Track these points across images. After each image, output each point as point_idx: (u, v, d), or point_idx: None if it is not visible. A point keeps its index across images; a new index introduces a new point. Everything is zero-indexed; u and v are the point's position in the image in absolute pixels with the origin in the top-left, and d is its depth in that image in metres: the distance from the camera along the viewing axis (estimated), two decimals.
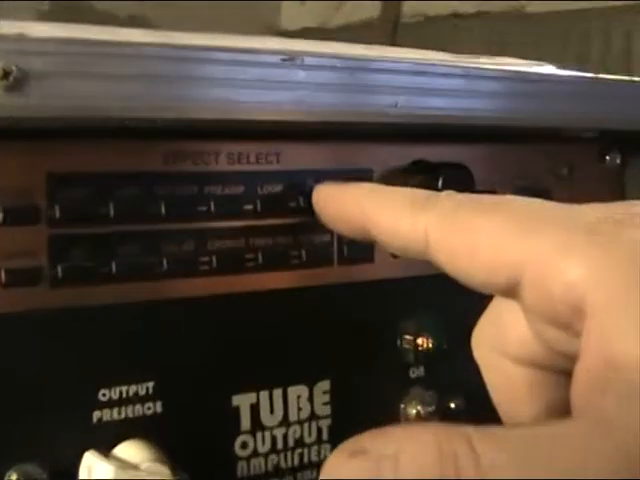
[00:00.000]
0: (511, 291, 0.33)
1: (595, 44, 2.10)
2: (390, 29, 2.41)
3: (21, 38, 0.39)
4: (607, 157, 0.62)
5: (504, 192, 0.56)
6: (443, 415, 0.54)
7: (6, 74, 0.39)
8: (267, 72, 0.45)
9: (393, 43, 2.43)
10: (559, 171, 0.59)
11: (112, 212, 0.44)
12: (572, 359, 0.30)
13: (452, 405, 0.54)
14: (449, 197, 0.37)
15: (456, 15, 2.32)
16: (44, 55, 0.39)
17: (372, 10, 2.43)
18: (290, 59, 0.45)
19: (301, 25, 2.71)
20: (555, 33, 2.09)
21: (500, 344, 0.36)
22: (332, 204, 0.45)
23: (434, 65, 0.50)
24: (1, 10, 2.28)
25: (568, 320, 0.31)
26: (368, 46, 0.56)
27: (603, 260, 0.30)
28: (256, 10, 2.75)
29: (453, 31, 2.31)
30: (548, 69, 0.62)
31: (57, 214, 0.43)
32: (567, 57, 2.08)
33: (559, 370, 0.34)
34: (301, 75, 0.46)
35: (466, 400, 0.55)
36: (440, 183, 0.50)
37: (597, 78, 0.59)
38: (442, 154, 0.54)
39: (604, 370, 0.28)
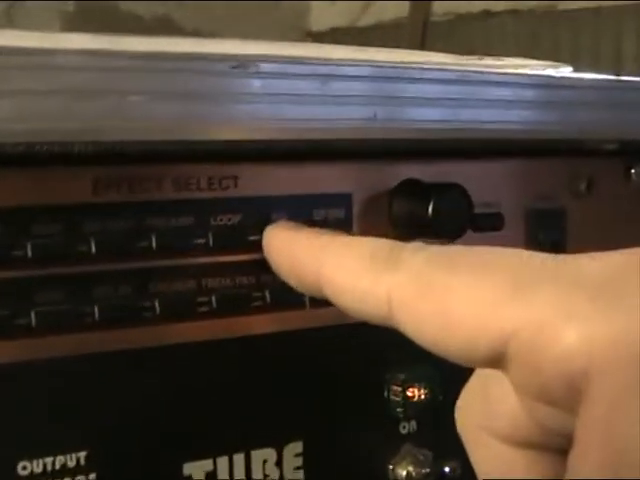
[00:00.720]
0: (494, 363, 0.28)
1: (628, 41, 2.02)
2: (420, 28, 2.34)
3: None
4: (632, 171, 0.53)
5: (511, 214, 0.48)
6: (439, 478, 0.46)
7: None
8: (217, 82, 0.37)
9: (423, 42, 2.36)
10: (576, 188, 0.51)
11: (29, 253, 0.37)
12: (569, 438, 0.26)
13: (447, 469, 0.46)
14: (416, 251, 0.31)
15: (487, 13, 2.25)
16: None
17: (402, 9, 2.36)
18: (241, 66, 0.37)
19: (330, 25, 2.64)
20: (588, 30, 2.01)
21: (488, 421, 0.31)
22: (284, 256, 0.38)
23: (422, 70, 0.42)
24: (24, 12, 2.24)
25: (562, 397, 0.26)
26: (350, 48, 0.48)
27: (611, 329, 0.24)
28: (284, 10, 2.68)
29: (484, 29, 2.24)
30: (564, 71, 0.54)
31: None
32: (601, 54, 2.00)
33: (554, 449, 0.29)
34: (256, 85, 0.38)
35: (465, 461, 0.46)
36: (430, 208, 0.42)
37: (620, 81, 0.50)
38: (436, 174, 0.46)
39: (609, 466, 0.24)
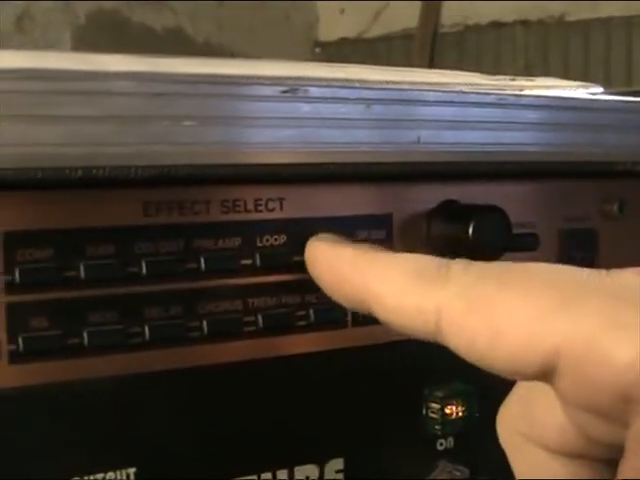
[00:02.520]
0: (542, 377, 0.28)
1: (638, 51, 2.02)
2: (429, 39, 2.35)
3: None
4: None
5: (545, 235, 0.49)
6: None
7: None
8: (266, 106, 0.38)
9: (432, 53, 2.37)
10: (608, 209, 0.51)
11: (82, 274, 0.37)
12: (615, 449, 0.27)
13: None
14: (464, 269, 0.31)
15: (497, 24, 2.25)
16: None
17: (410, 20, 2.37)
18: (292, 90, 0.38)
19: (339, 35, 2.65)
20: (598, 41, 2.01)
21: (532, 432, 0.32)
22: (328, 269, 0.37)
23: (463, 93, 0.43)
24: (35, 23, 2.25)
25: (613, 409, 0.26)
26: (383, 69, 0.48)
27: None
28: (293, 20, 2.69)
29: (494, 40, 2.24)
30: (594, 91, 0.54)
31: (16, 279, 0.36)
32: (612, 65, 2.00)
33: (599, 458, 0.30)
34: (305, 109, 0.38)
35: (502, 477, 0.47)
36: (471, 229, 0.43)
37: None
38: (473, 195, 0.46)
39: None
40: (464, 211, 0.44)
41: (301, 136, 0.39)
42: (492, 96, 0.44)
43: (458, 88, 0.43)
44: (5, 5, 2.17)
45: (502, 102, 0.44)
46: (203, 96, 0.37)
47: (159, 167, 0.36)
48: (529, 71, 2.19)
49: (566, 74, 2.14)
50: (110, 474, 0.38)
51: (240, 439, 0.41)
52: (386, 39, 2.50)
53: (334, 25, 2.68)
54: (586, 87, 0.54)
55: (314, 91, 0.38)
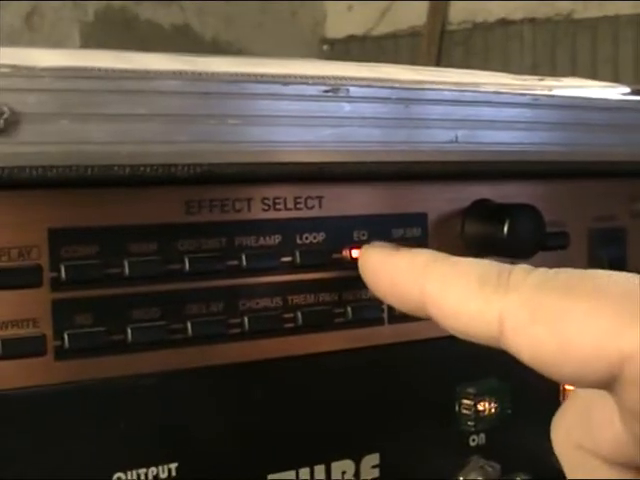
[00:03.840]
0: (606, 385, 0.28)
1: None
2: (437, 37, 2.35)
3: (14, 72, 0.32)
4: None
5: (575, 234, 0.49)
6: None
7: None
8: (308, 106, 0.38)
9: (440, 51, 2.37)
10: (638, 209, 0.51)
11: (126, 271, 0.37)
12: None
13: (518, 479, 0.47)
14: (526, 274, 0.30)
15: (504, 21, 2.25)
16: (40, 92, 0.32)
17: (418, 18, 2.37)
18: (333, 90, 0.38)
19: (346, 33, 2.65)
20: (606, 38, 2.01)
21: (589, 443, 0.31)
22: (384, 276, 0.37)
23: (498, 94, 0.43)
24: (43, 21, 2.25)
25: None
26: (416, 69, 0.48)
27: None
28: (300, 17, 2.69)
29: (502, 38, 2.24)
30: (621, 91, 0.54)
31: (62, 275, 0.36)
32: (619, 62, 2.00)
33: None
34: (346, 109, 0.39)
35: (534, 474, 0.47)
36: (506, 228, 0.43)
37: None
38: (504, 194, 0.46)
39: None
40: (499, 210, 0.44)
41: (341, 135, 0.39)
42: (527, 96, 0.44)
43: (493, 89, 0.43)
44: (14, 2, 2.17)
45: (536, 102, 0.44)
46: (248, 95, 0.37)
47: (204, 165, 0.36)
48: (536, 69, 2.19)
49: (574, 72, 2.14)
50: (152, 469, 0.38)
51: (279, 435, 0.41)
52: (393, 37, 2.50)
53: (341, 22, 2.68)
54: (614, 87, 0.55)
55: (355, 91, 0.39)
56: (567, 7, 2.11)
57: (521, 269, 0.31)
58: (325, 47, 2.69)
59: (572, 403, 0.32)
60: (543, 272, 0.30)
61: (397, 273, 0.36)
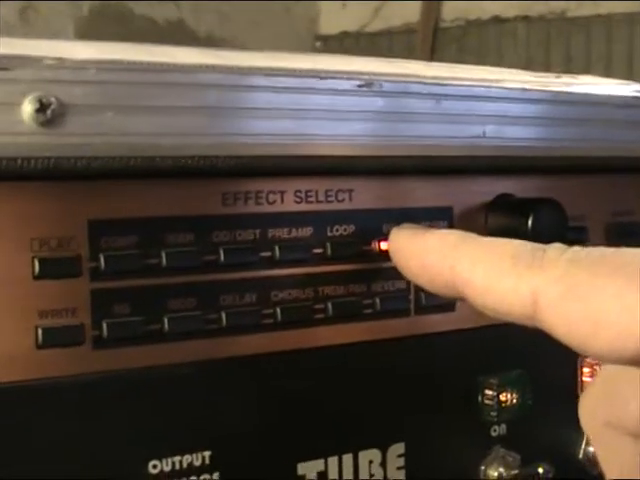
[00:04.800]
0: (637, 362, 0.28)
1: (639, 47, 2.02)
2: (430, 33, 2.35)
3: (60, 64, 0.33)
4: None
5: (593, 228, 0.50)
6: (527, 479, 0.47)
7: (43, 107, 0.32)
8: (342, 100, 0.39)
9: (433, 48, 2.37)
10: None
11: (164, 262, 0.37)
12: None
13: (539, 470, 0.47)
14: (560, 252, 0.30)
15: (498, 19, 2.26)
16: (86, 84, 0.33)
17: (412, 14, 2.37)
18: (367, 85, 0.39)
19: (340, 29, 2.65)
20: (600, 36, 2.02)
21: (618, 419, 0.32)
22: (414, 256, 0.37)
23: (524, 90, 0.44)
24: (38, 15, 2.24)
25: None
26: (437, 65, 0.49)
27: None
28: (294, 14, 2.69)
29: (495, 35, 2.25)
30: (634, 88, 0.55)
31: (101, 265, 0.36)
32: (613, 60, 2.02)
33: None
34: (379, 103, 0.39)
35: (554, 464, 0.48)
36: (530, 222, 0.44)
37: None
38: (527, 188, 0.47)
39: None
40: (523, 204, 0.44)
41: (374, 129, 0.39)
42: (550, 93, 0.45)
43: (520, 85, 0.44)
44: None
45: (558, 99, 0.45)
46: (283, 89, 0.37)
47: (244, 157, 0.37)
48: (530, 67, 2.20)
49: (568, 69, 2.15)
50: (187, 457, 0.39)
51: (309, 424, 0.42)
52: (387, 33, 2.50)
53: (335, 19, 2.68)
54: (628, 85, 0.55)
55: (388, 86, 0.39)
56: (561, 5, 2.12)
57: (557, 247, 0.31)
58: (318, 44, 2.69)
59: (598, 381, 0.33)
60: (578, 250, 0.30)
61: (427, 253, 0.36)
